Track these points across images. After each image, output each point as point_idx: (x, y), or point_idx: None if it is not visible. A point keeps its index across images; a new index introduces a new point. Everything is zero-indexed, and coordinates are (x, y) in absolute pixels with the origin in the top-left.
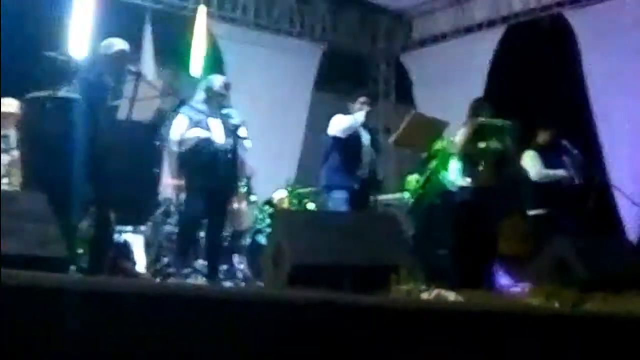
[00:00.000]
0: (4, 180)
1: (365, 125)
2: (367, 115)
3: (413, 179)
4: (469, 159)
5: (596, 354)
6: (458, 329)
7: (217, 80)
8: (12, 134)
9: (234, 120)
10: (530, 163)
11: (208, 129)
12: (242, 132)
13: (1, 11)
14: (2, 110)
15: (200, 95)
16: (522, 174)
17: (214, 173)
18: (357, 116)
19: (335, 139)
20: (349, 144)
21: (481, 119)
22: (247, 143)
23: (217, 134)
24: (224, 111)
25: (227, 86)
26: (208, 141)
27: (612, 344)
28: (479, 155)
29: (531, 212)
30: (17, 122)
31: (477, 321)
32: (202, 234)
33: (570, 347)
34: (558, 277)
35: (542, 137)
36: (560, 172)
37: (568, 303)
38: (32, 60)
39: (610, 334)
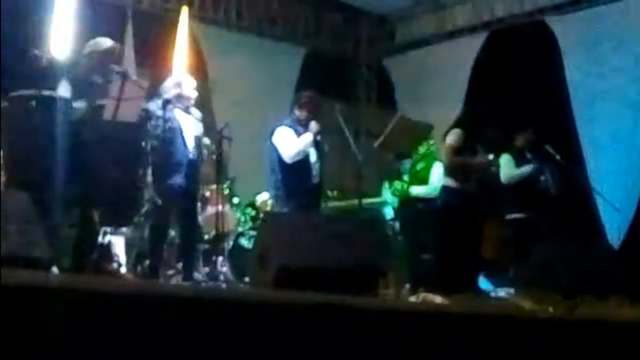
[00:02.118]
0: None
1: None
2: (317, 134)
3: (399, 183)
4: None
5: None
6: (448, 331)
7: (182, 81)
8: None
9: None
10: (504, 166)
11: (181, 130)
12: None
13: (1, 12)
14: None
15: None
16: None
17: (179, 174)
18: (305, 142)
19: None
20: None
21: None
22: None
23: (188, 136)
24: (192, 112)
25: (202, 87)
26: (183, 142)
27: (607, 348)
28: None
29: (510, 216)
30: None
31: (469, 324)
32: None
33: (566, 350)
34: (542, 282)
35: (519, 140)
36: (527, 169)
37: (559, 307)
38: (15, 58)
39: (605, 339)
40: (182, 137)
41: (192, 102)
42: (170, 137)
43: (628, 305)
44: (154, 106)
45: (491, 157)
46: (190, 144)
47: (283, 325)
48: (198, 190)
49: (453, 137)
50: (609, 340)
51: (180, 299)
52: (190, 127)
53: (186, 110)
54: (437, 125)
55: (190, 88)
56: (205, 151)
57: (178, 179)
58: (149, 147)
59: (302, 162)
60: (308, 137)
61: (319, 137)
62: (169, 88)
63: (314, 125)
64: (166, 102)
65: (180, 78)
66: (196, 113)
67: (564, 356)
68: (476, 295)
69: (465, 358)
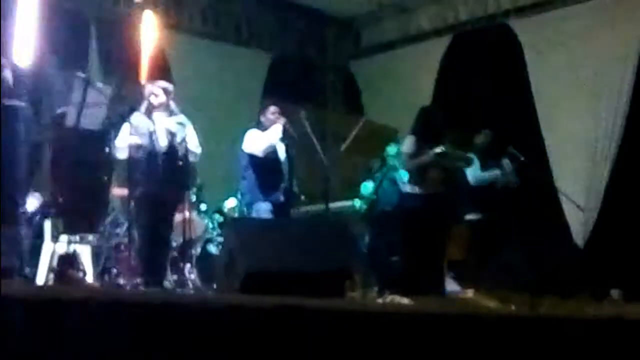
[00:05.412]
0: None
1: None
2: (282, 131)
3: (368, 186)
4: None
5: (556, 356)
6: (416, 332)
7: (148, 88)
8: None
9: (177, 128)
10: (469, 168)
11: (150, 136)
12: (189, 139)
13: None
14: None
15: (143, 102)
16: (461, 178)
17: (156, 181)
18: (272, 136)
19: (252, 155)
20: (267, 160)
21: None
22: (195, 149)
23: (160, 142)
24: (168, 118)
25: (166, 92)
26: (150, 149)
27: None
28: (428, 164)
29: (469, 217)
30: None
31: (435, 324)
32: None
33: (531, 349)
34: (506, 282)
35: (480, 139)
36: (496, 172)
37: (524, 306)
38: None
39: (570, 337)
40: (151, 143)
41: (173, 108)
42: (151, 144)
43: (592, 304)
44: (119, 112)
45: (439, 150)
46: (170, 149)
47: (250, 329)
48: (179, 193)
49: (406, 144)
50: (574, 338)
51: (148, 305)
52: (173, 133)
53: (170, 116)
54: (403, 129)
55: (160, 93)
56: (194, 155)
57: (149, 186)
58: (113, 154)
59: (273, 164)
60: (277, 128)
61: (288, 127)
62: (141, 94)
63: (282, 120)
64: (132, 109)
65: (150, 84)
66: (180, 119)
67: (529, 354)
68: (442, 297)
69: (432, 358)
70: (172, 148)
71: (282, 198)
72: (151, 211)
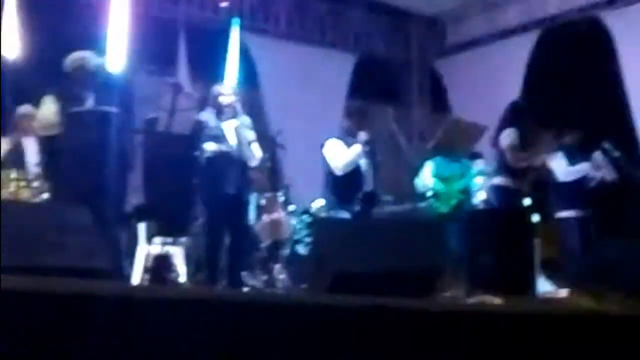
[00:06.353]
0: (44, 195)
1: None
2: (366, 143)
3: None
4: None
5: None
6: (508, 332)
7: (216, 90)
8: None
9: (244, 129)
10: (556, 164)
11: (223, 138)
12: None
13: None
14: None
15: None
16: (550, 176)
17: (227, 183)
18: (355, 154)
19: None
20: (345, 174)
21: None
22: (257, 152)
23: (230, 143)
24: (239, 120)
25: (235, 93)
26: (222, 151)
27: None
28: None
29: (561, 214)
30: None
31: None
32: None
33: (631, 348)
34: (602, 281)
35: (569, 138)
36: (585, 167)
37: (622, 305)
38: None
39: None
40: (233, 145)
41: (240, 109)
42: (222, 146)
43: None
44: (206, 117)
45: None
46: (240, 151)
47: (340, 329)
48: (248, 197)
49: (510, 136)
50: None
51: (235, 304)
52: (239, 134)
53: (235, 117)
54: (492, 126)
55: (233, 96)
56: (256, 159)
57: (228, 188)
58: (202, 157)
59: (352, 172)
60: (356, 148)
61: (367, 148)
62: (217, 98)
63: (362, 135)
64: (219, 112)
65: (225, 87)
66: (245, 120)
67: (628, 354)
68: (534, 296)
69: (525, 358)
70: (240, 149)
71: (361, 201)
72: (221, 213)
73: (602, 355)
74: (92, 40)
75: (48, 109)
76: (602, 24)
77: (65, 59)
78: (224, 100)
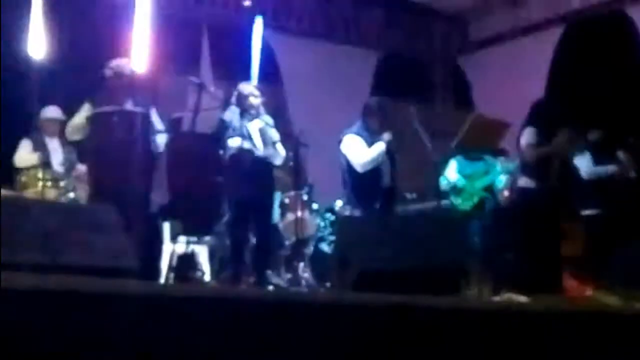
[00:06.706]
0: (71, 195)
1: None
2: (389, 142)
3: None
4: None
5: None
6: (534, 330)
7: (245, 89)
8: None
9: (267, 128)
10: (581, 162)
11: (248, 137)
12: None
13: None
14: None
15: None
16: (575, 173)
17: (252, 182)
18: (378, 152)
19: (350, 164)
20: (365, 172)
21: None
22: (281, 151)
23: (255, 142)
24: (262, 119)
25: (260, 92)
26: (247, 150)
27: None
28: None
29: (585, 213)
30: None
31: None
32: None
33: None
34: (629, 280)
35: (593, 135)
36: (611, 168)
37: None
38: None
39: None
40: (258, 144)
41: (262, 109)
42: (247, 145)
43: None
44: (230, 116)
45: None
46: (265, 151)
47: (365, 326)
48: (273, 196)
49: (529, 135)
50: None
51: (260, 303)
52: (264, 134)
53: (258, 117)
54: (515, 123)
55: (257, 95)
56: (280, 158)
57: (253, 187)
58: (226, 156)
59: (372, 169)
60: (380, 146)
61: (390, 146)
62: (247, 98)
63: (386, 135)
64: (243, 111)
65: (253, 87)
66: (268, 119)
67: None
68: (560, 294)
69: (551, 356)
70: (265, 149)
71: (380, 198)
72: (245, 212)
73: (628, 353)
74: (118, 42)
75: (82, 115)
76: (628, 18)
77: (104, 67)
78: (253, 101)
